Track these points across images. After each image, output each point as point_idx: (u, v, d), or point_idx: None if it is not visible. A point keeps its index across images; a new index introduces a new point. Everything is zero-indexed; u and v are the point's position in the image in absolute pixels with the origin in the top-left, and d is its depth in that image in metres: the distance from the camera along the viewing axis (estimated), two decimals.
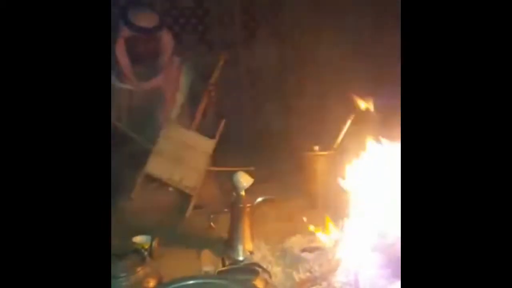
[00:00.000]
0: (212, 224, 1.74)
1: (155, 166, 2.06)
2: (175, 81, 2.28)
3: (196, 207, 2.05)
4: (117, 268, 1.37)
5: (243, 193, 1.70)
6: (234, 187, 1.71)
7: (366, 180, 1.59)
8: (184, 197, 2.09)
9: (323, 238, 1.66)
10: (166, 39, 2.20)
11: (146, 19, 2.13)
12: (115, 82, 2.21)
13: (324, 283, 1.45)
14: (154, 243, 1.62)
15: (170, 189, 2.12)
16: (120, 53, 2.14)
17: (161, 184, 2.11)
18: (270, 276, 1.48)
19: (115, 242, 1.64)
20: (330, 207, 1.99)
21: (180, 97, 2.29)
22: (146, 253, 1.52)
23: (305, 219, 1.78)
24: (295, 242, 1.74)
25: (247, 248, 1.68)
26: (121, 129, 2.13)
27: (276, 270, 1.56)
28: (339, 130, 2.09)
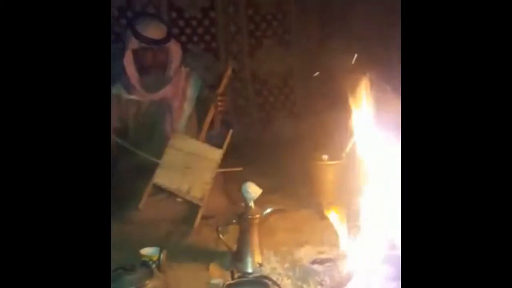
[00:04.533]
0: (220, 235, 1.72)
1: (162, 176, 2.06)
2: (182, 92, 2.27)
3: (204, 217, 2.04)
4: (125, 282, 1.35)
5: (251, 204, 1.68)
6: (243, 198, 1.69)
7: (376, 190, 1.57)
8: (192, 207, 2.07)
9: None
10: (174, 50, 2.20)
11: (154, 31, 2.13)
12: (123, 93, 2.22)
13: None
14: (162, 256, 1.60)
15: (178, 199, 2.11)
16: (128, 64, 2.14)
17: (169, 194, 2.10)
18: None
19: (123, 254, 1.64)
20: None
21: (187, 107, 2.28)
22: (154, 265, 1.50)
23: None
24: (305, 253, 1.72)
25: (256, 260, 1.66)
26: (126, 146, 2.12)
27: (286, 283, 1.54)
28: (347, 139, 2.07)
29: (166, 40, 2.16)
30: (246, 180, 1.72)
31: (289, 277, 1.58)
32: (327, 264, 1.60)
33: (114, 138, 2.11)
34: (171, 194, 2.09)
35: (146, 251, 1.61)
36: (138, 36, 2.11)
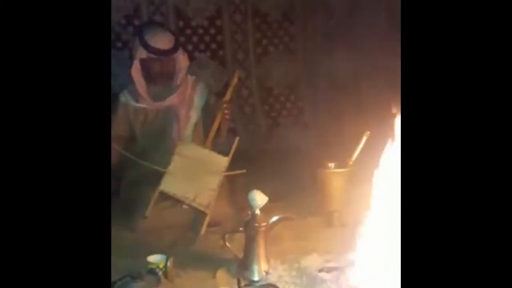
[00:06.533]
0: (227, 243, 1.72)
1: (169, 184, 2.06)
2: (189, 100, 2.29)
3: (210, 225, 2.04)
4: None
5: (258, 211, 1.68)
6: (249, 206, 1.69)
7: (384, 198, 1.56)
8: (198, 215, 2.07)
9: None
10: (182, 59, 2.22)
11: (162, 41, 2.16)
12: (130, 102, 2.24)
13: None
14: (169, 263, 1.60)
15: (184, 207, 2.11)
16: (136, 73, 2.16)
17: (175, 202, 2.10)
18: None
19: (130, 261, 1.64)
20: (347, 226, 1.97)
21: (194, 115, 2.30)
22: (161, 273, 1.50)
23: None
24: (312, 261, 1.71)
25: (263, 268, 1.65)
26: (132, 158, 2.12)
27: None
28: (354, 147, 2.06)
29: (173, 50, 2.18)
30: (252, 188, 1.72)
31: (296, 285, 1.57)
32: (334, 272, 1.59)
33: (119, 149, 2.11)
34: (178, 202, 2.09)
35: (153, 258, 1.62)
36: (146, 46, 2.14)
